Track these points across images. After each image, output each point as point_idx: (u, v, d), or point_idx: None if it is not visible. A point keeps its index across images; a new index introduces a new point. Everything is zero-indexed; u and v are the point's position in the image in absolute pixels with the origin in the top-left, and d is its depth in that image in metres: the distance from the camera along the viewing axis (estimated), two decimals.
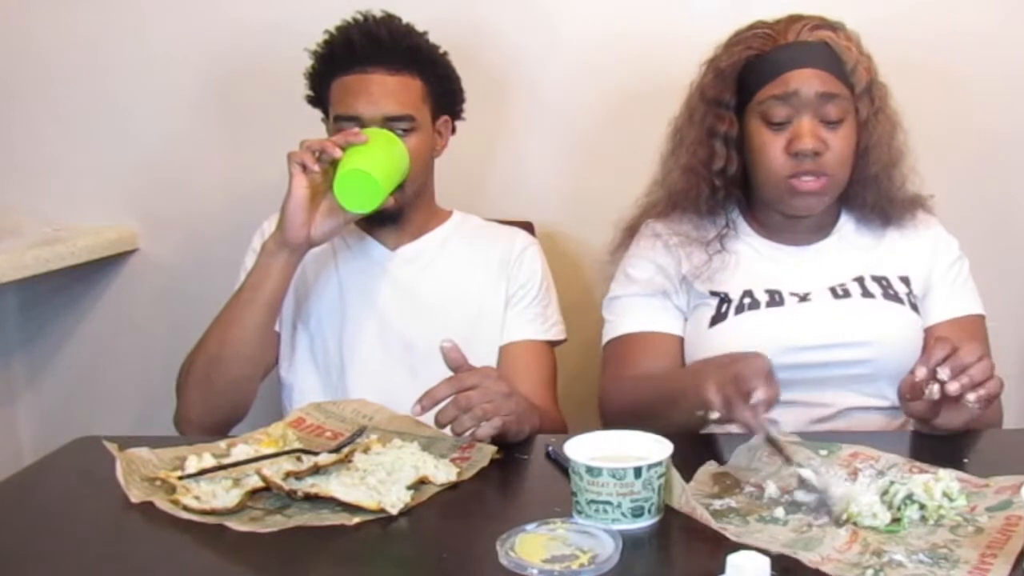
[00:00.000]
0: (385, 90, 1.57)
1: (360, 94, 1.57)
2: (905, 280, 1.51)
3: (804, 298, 1.48)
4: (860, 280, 1.50)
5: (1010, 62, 1.94)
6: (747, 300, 1.49)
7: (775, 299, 1.49)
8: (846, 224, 1.56)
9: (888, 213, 1.54)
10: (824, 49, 1.44)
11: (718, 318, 1.48)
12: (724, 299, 1.49)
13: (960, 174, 1.93)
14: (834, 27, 1.46)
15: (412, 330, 1.62)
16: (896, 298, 1.49)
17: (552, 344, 1.69)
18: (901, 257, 1.53)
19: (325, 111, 1.65)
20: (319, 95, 1.65)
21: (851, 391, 1.47)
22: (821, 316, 1.47)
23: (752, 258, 1.53)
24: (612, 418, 1.47)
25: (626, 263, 1.58)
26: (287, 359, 1.65)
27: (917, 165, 1.53)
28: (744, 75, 1.47)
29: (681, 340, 1.53)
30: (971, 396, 1.18)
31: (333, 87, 1.60)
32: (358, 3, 1.64)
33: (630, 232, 1.61)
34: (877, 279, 1.50)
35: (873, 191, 1.51)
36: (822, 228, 1.55)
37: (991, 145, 1.97)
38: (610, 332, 1.56)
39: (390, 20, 1.62)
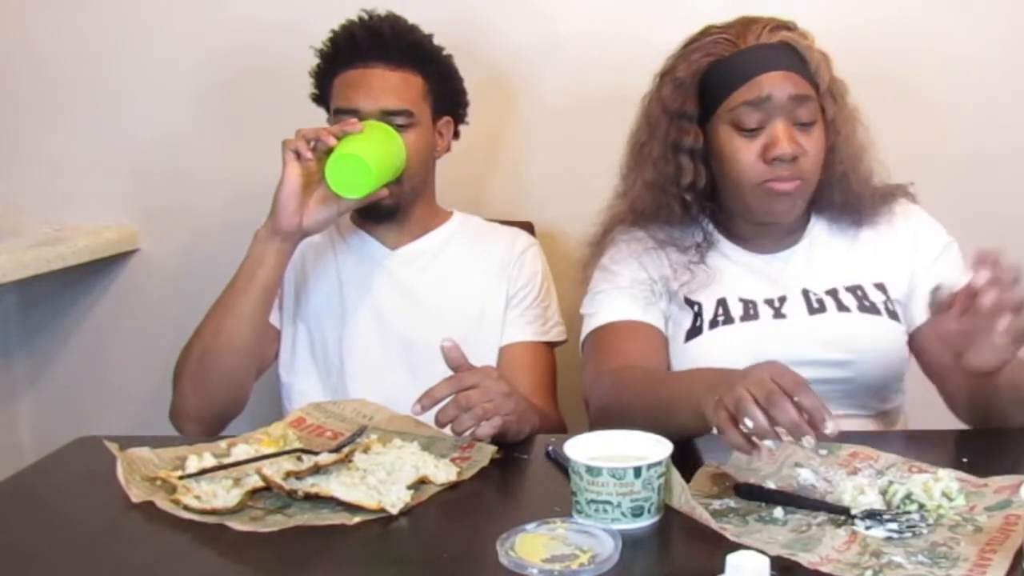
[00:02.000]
0: (385, 85, 1.57)
1: (359, 87, 1.57)
2: (881, 287, 1.46)
3: (779, 310, 1.44)
4: (834, 293, 1.45)
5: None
6: (721, 313, 1.44)
7: (749, 311, 1.44)
8: (816, 227, 1.51)
9: (859, 211, 1.49)
10: (788, 50, 1.40)
11: (693, 332, 1.44)
12: (698, 312, 1.45)
13: (951, 184, 1.92)
14: (789, 27, 1.42)
15: (412, 330, 1.62)
16: (872, 309, 1.44)
17: (552, 345, 1.69)
18: (877, 261, 1.48)
19: (328, 109, 1.65)
20: (322, 92, 1.66)
21: (831, 403, 1.44)
22: (797, 333, 1.42)
23: (725, 266, 1.48)
24: (598, 415, 1.39)
25: (608, 261, 1.52)
26: (287, 359, 1.65)
27: (882, 155, 1.48)
28: (706, 83, 1.41)
29: (666, 337, 1.47)
30: (1003, 323, 1.09)
31: (335, 82, 1.61)
32: (362, 2, 1.65)
33: (600, 247, 1.55)
34: (851, 289, 1.45)
35: (840, 189, 1.46)
36: (791, 233, 1.50)
37: (978, 151, 1.96)
38: (591, 324, 1.48)
39: (394, 18, 1.63)
